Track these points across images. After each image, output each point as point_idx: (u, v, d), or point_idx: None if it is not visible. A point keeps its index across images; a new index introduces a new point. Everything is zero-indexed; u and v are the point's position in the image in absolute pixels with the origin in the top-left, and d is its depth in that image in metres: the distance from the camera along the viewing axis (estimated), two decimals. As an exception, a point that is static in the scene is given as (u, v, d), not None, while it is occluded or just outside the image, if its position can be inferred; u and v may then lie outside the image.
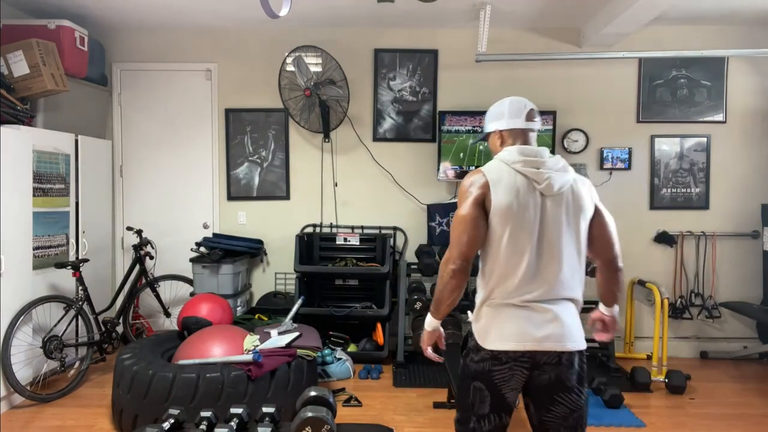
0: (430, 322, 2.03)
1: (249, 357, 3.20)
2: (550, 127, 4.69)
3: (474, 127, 4.73)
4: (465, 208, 1.89)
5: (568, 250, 1.90)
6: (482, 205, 1.89)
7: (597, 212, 1.98)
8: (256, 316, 4.62)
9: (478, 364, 1.91)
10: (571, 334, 1.88)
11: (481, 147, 4.72)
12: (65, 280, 4.06)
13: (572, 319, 1.91)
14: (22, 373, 3.62)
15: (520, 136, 2.02)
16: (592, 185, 2.02)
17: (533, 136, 2.05)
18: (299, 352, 3.50)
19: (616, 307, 2.11)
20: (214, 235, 4.85)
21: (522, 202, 1.86)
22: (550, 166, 1.91)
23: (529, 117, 2.03)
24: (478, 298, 1.98)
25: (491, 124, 2.09)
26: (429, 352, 2.09)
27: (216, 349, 3.37)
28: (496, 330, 1.89)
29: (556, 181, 1.89)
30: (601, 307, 2.11)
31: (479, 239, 1.90)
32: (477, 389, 1.92)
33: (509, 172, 1.90)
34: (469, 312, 2.05)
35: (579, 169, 4.84)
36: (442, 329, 2.07)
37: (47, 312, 3.85)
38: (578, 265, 1.93)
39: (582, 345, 1.91)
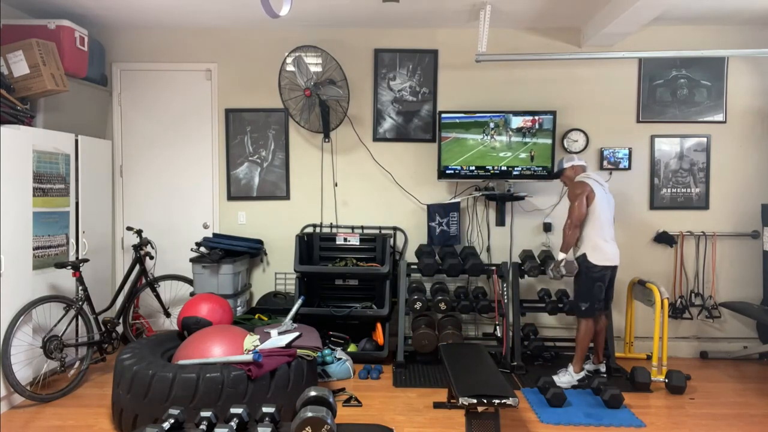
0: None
1: (249, 357, 3.20)
2: (550, 128, 4.68)
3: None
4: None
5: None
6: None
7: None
8: (256, 316, 4.62)
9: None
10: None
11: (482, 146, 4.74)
12: (65, 280, 4.07)
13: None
14: (22, 373, 3.62)
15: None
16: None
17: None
18: (299, 352, 3.50)
19: None
20: (214, 235, 4.85)
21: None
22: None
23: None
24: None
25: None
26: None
27: (216, 349, 3.37)
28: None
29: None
30: None
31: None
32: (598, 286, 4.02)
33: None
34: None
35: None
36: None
37: (47, 312, 3.85)
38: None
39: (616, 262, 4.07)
